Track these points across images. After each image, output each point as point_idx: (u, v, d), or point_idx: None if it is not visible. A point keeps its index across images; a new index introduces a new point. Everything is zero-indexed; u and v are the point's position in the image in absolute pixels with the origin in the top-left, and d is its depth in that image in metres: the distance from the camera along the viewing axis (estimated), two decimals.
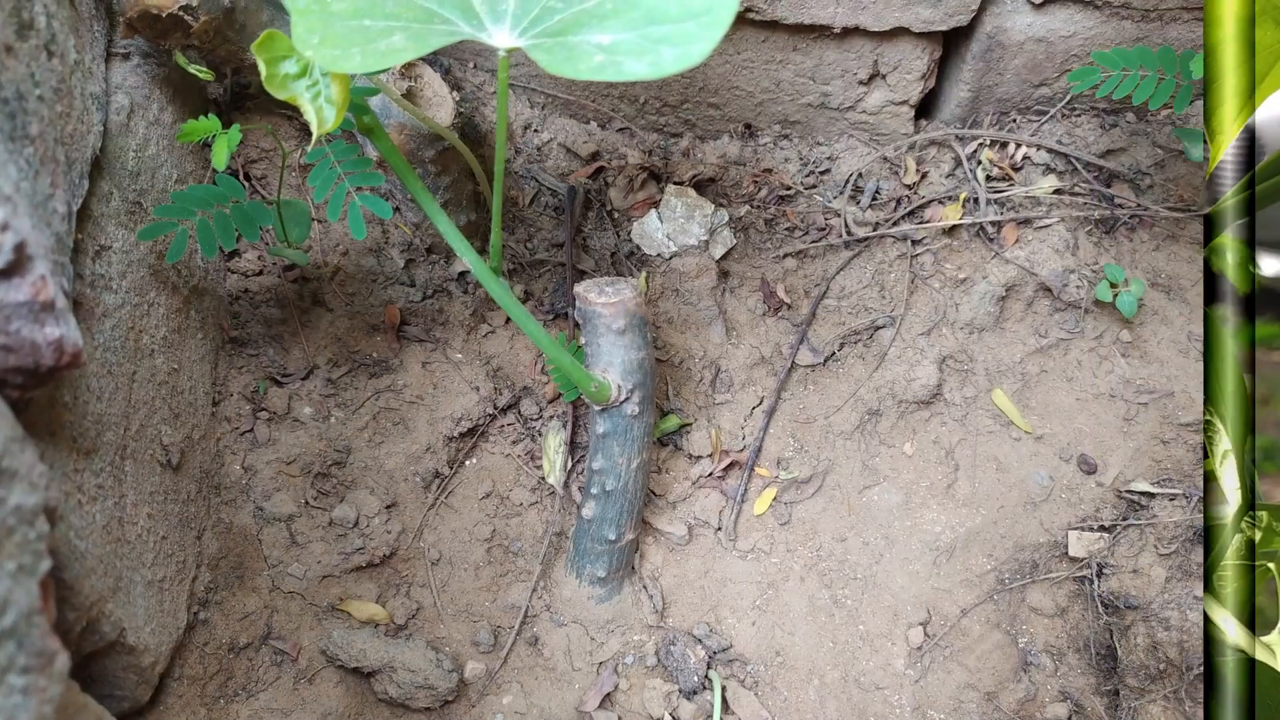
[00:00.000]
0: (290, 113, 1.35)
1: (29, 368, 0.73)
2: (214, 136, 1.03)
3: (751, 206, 1.51)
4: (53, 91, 0.91)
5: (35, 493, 0.66)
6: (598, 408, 1.20)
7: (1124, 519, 1.32)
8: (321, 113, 0.95)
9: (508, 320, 1.42)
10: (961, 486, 1.35)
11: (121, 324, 1.01)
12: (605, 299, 1.17)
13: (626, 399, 1.18)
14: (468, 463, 1.34)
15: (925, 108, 1.59)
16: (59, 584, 0.81)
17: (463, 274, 1.41)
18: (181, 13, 1.10)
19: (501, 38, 0.93)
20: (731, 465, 1.37)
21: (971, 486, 1.35)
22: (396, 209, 1.38)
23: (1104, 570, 1.29)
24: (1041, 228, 1.46)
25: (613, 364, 1.18)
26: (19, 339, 0.71)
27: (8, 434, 0.64)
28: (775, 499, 1.35)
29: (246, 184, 1.33)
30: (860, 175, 1.53)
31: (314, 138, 0.92)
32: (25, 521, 0.65)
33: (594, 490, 1.22)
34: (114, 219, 1.03)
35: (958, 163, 1.53)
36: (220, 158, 0.98)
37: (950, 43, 1.50)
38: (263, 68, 0.92)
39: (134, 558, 0.97)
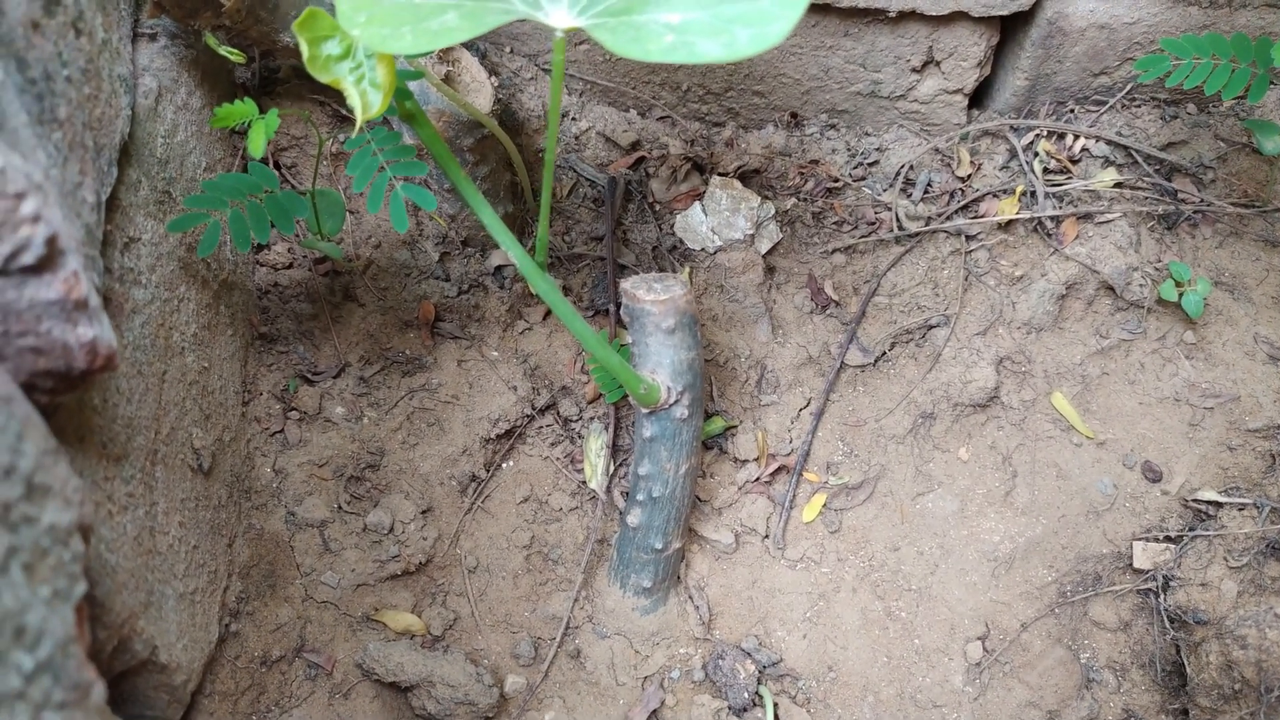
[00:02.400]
0: (322, 98, 1.29)
1: (60, 371, 0.68)
2: (249, 122, 0.97)
3: (798, 199, 1.45)
4: (80, 72, 0.85)
5: (69, 509, 0.61)
6: (645, 410, 1.14)
7: (1191, 529, 1.26)
8: (366, 97, 0.89)
9: (546, 316, 1.36)
10: (1020, 494, 1.29)
11: (151, 321, 0.95)
12: (655, 296, 1.11)
13: (676, 401, 1.12)
14: (505, 465, 1.29)
15: (978, 96, 1.53)
16: (89, 602, 0.76)
17: (499, 268, 1.35)
18: None
19: (560, 17, 0.87)
20: (779, 470, 1.31)
21: (1031, 494, 1.29)
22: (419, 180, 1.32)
23: (1170, 583, 1.24)
24: (1103, 223, 1.40)
25: (661, 364, 1.12)
26: (50, 340, 0.66)
27: (40, 447, 0.59)
28: (825, 505, 1.29)
29: (277, 172, 1.27)
30: (911, 167, 1.47)
31: (357, 124, 0.86)
32: (60, 542, 0.59)
33: (640, 497, 1.16)
34: (143, 209, 0.97)
35: (1013, 154, 1.47)
36: (257, 145, 0.92)
37: (1008, 28, 1.43)
38: (304, 48, 0.86)
39: (165, 570, 0.91)
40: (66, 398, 0.71)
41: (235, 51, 1.10)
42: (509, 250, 1.04)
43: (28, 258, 0.62)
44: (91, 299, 0.67)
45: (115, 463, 0.84)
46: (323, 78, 0.87)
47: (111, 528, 0.81)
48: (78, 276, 0.65)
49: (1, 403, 0.56)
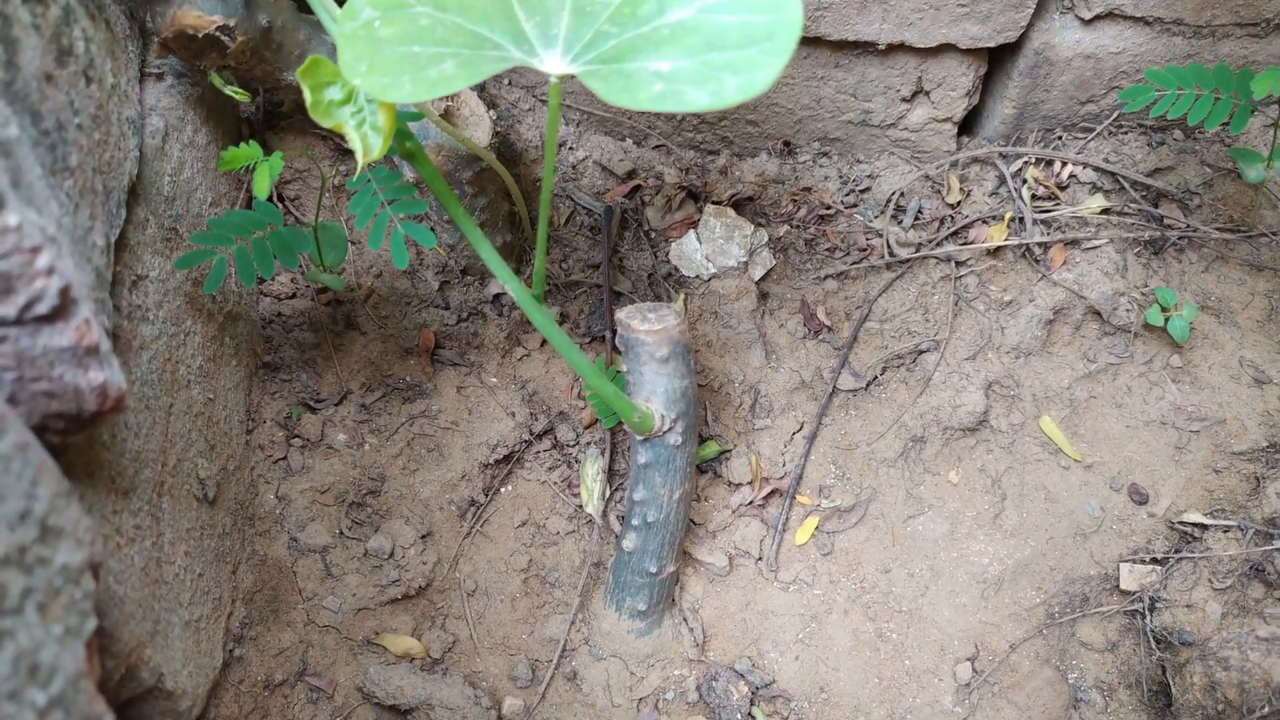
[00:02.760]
0: (325, 133, 1.32)
1: (72, 413, 0.71)
2: (254, 164, 1.00)
3: (791, 226, 1.48)
4: (91, 119, 0.88)
5: (81, 549, 0.64)
6: (640, 438, 1.17)
7: (1176, 551, 1.29)
8: (367, 140, 0.92)
9: (543, 343, 1.39)
10: (1009, 516, 1.32)
11: (158, 356, 0.98)
12: (649, 326, 1.14)
13: (670, 429, 1.15)
14: (503, 490, 1.31)
15: (967, 124, 1.56)
16: (99, 631, 0.79)
17: (498, 296, 1.38)
18: (218, 33, 1.07)
19: (554, 63, 0.90)
20: (772, 493, 1.33)
21: (1020, 516, 1.32)
22: (431, 229, 1.35)
23: (1156, 604, 1.26)
24: (1090, 249, 1.43)
25: (656, 393, 1.15)
26: (62, 384, 0.69)
27: (54, 489, 0.62)
28: (817, 528, 1.32)
29: (280, 205, 1.30)
30: (902, 194, 1.50)
31: (359, 166, 0.89)
32: (72, 581, 0.62)
33: (635, 522, 1.19)
34: (150, 247, 1.00)
35: (1001, 181, 1.50)
36: (262, 186, 0.96)
37: (996, 59, 1.46)
38: (308, 94, 0.90)
39: (171, 599, 0.94)
40: (77, 437, 0.74)
41: (240, 91, 1.13)
42: (506, 284, 1.06)
43: (42, 308, 0.65)
44: (102, 344, 0.70)
45: (123, 496, 0.87)
46: (325, 123, 0.90)
47: (120, 560, 0.84)
48: (89, 324, 0.68)
49: (17, 450, 0.58)
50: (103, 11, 0.97)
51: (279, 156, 1.00)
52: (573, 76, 0.89)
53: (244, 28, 1.09)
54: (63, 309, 0.66)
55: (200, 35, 1.07)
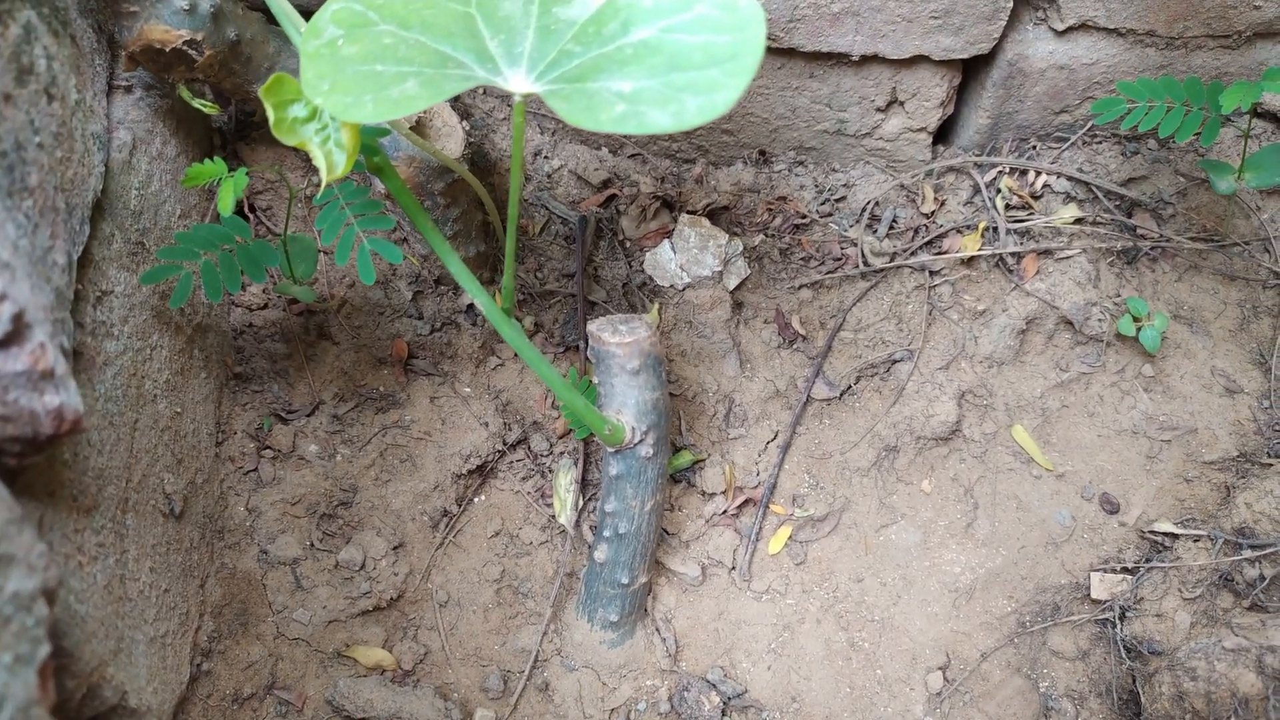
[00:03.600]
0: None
1: (27, 437, 0.70)
2: (220, 180, 1.00)
3: (766, 235, 1.48)
4: (52, 137, 0.88)
5: (34, 576, 0.63)
6: (611, 449, 1.17)
7: (1147, 560, 1.29)
8: (331, 158, 0.92)
9: (516, 354, 1.39)
10: (981, 526, 1.32)
11: (123, 371, 0.98)
12: (619, 339, 1.14)
13: (640, 441, 1.15)
14: (476, 500, 1.32)
15: (943, 133, 1.56)
16: (58, 651, 0.79)
17: (471, 306, 1.38)
18: (186, 46, 1.07)
19: (518, 82, 0.90)
20: (746, 503, 1.34)
21: (991, 526, 1.32)
22: (404, 240, 1.35)
23: (1127, 613, 1.27)
24: (1063, 259, 1.43)
25: (626, 405, 1.15)
26: (17, 408, 0.69)
27: (4, 517, 0.62)
28: (790, 538, 1.32)
29: (251, 216, 1.30)
30: (877, 203, 1.50)
31: (323, 184, 0.89)
32: (23, 608, 0.62)
33: (606, 533, 1.19)
34: (115, 262, 1.00)
35: (976, 190, 1.50)
36: (226, 203, 0.95)
37: (970, 69, 1.46)
38: (270, 112, 0.89)
39: (136, 616, 0.94)
40: (34, 459, 0.74)
41: (209, 104, 1.12)
42: (474, 298, 1.06)
43: None
44: (58, 367, 0.70)
45: (86, 514, 0.87)
46: (289, 140, 0.90)
47: (81, 578, 0.84)
48: (44, 348, 0.68)
49: None
50: (67, 27, 0.97)
51: (243, 173, 1.00)
52: (535, 95, 0.89)
53: (211, 41, 1.09)
54: (16, 334, 0.66)
55: (167, 49, 1.07)
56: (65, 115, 0.91)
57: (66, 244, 0.87)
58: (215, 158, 1.03)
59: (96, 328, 0.94)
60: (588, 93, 0.87)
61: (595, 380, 1.19)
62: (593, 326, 1.17)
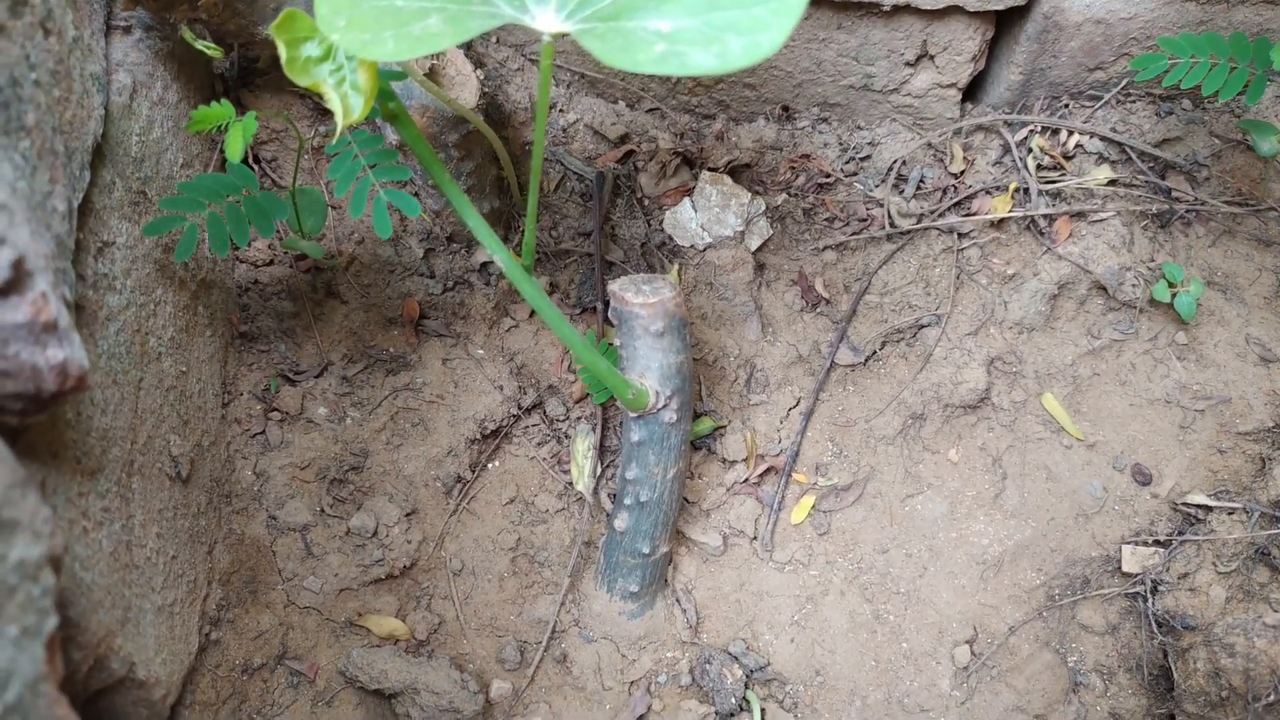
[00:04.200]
0: (303, 91, 1.25)
1: (29, 393, 0.65)
2: (227, 125, 0.94)
3: (789, 195, 1.43)
4: (50, 74, 0.82)
5: (39, 543, 0.59)
6: (633, 415, 1.12)
7: (1180, 533, 1.26)
8: (347, 101, 0.86)
9: (532, 314, 1.34)
10: (1010, 496, 1.29)
11: (127, 327, 0.93)
12: (643, 299, 1.09)
13: (665, 405, 1.11)
14: (490, 466, 1.27)
15: (971, 90, 1.51)
16: (64, 622, 0.74)
17: (485, 264, 1.32)
18: None
19: (547, 21, 0.84)
20: (768, 471, 1.30)
21: (1020, 497, 1.29)
22: (414, 195, 1.29)
23: (1159, 587, 1.23)
24: (1096, 221, 1.39)
25: (650, 368, 1.11)
26: (17, 363, 0.64)
27: (7, 479, 0.57)
28: (814, 507, 1.28)
29: (256, 167, 1.24)
30: (904, 163, 1.45)
31: (338, 129, 0.84)
32: (29, 577, 0.57)
33: (627, 501, 1.15)
34: (117, 211, 0.95)
35: (1006, 150, 1.45)
36: (235, 148, 0.90)
37: (1003, 22, 1.41)
38: (283, 50, 0.84)
39: (143, 584, 0.89)
40: (36, 418, 0.69)
41: (213, 46, 1.06)
42: (494, 254, 1.01)
43: None
44: (61, 319, 0.65)
45: (90, 477, 0.82)
46: (301, 81, 0.84)
47: (86, 545, 0.79)
48: (46, 298, 0.63)
49: None
50: None
51: (253, 117, 0.94)
52: (567, 35, 0.84)
53: None
54: (16, 283, 0.61)
55: None
56: (63, 52, 0.85)
57: (66, 189, 0.82)
58: (221, 101, 0.97)
59: (98, 280, 0.88)
60: (624, 31, 0.81)
61: (617, 343, 1.14)
62: (614, 286, 1.12)
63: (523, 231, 1.37)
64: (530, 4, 0.85)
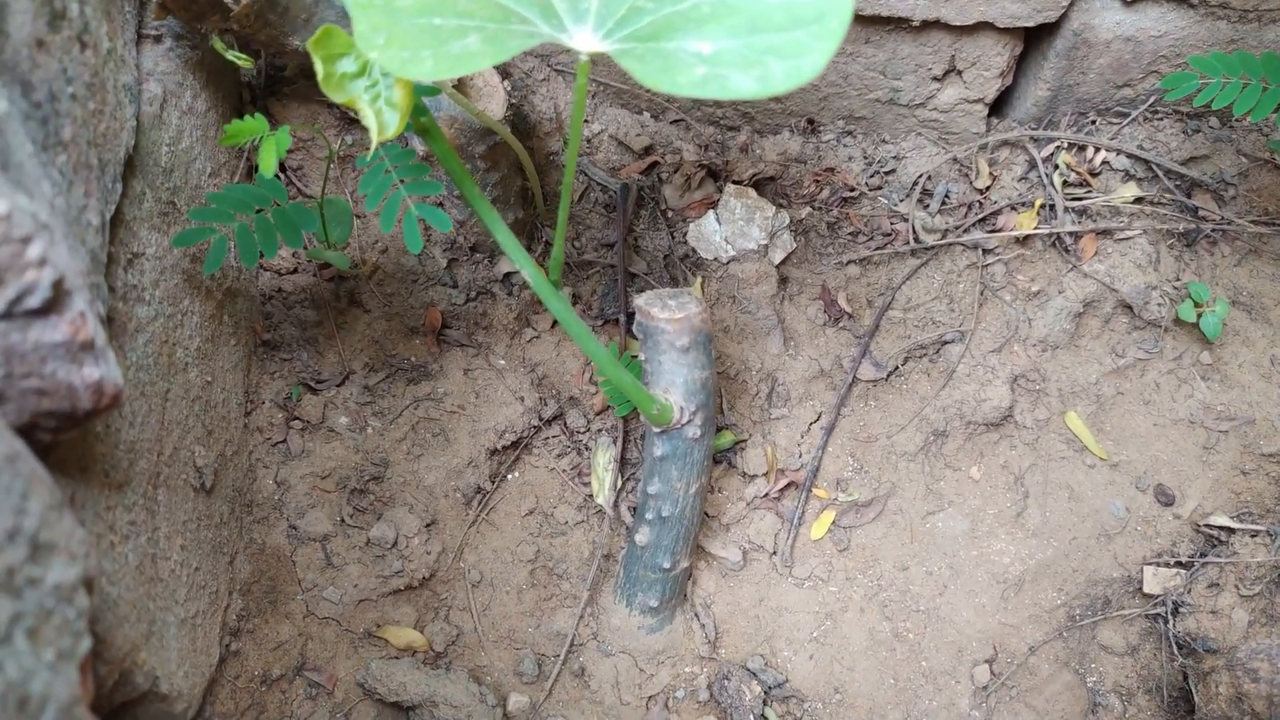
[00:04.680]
0: (330, 101, 1.25)
1: (64, 411, 0.65)
2: (260, 138, 0.94)
3: (813, 208, 1.42)
4: (85, 88, 0.82)
5: (75, 564, 0.59)
6: (657, 429, 1.12)
7: (1202, 555, 1.25)
8: (382, 117, 0.86)
9: (554, 325, 1.34)
10: (1032, 515, 1.28)
11: (155, 338, 0.93)
12: (669, 314, 1.09)
13: (689, 421, 1.10)
14: (510, 477, 1.27)
15: (997, 105, 1.50)
16: (92, 639, 0.74)
17: (508, 275, 1.32)
18: None
19: (584, 40, 0.84)
20: (788, 486, 1.29)
21: (1042, 515, 1.28)
22: (440, 204, 1.29)
23: (1180, 609, 1.23)
24: (1122, 239, 1.38)
25: (675, 384, 1.10)
26: (54, 381, 0.64)
27: (46, 502, 0.57)
28: (834, 523, 1.28)
29: (282, 176, 1.24)
30: (929, 177, 1.44)
31: (373, 145, 0.84)
32: (64, 600, 0.57)
33: (649, 515, 1.15)
34: (147, 222, 0.95)
35: (1032, 165, 1.44)
36: (269, 163, 0.90)
37: (1032, 38, 1.40)
38: (319, 67, 0.83)
39: (167, 596, 0.89)
40: (69, 435, 0.69)
41: (243, 56, 1.06)
42: (522, 269, 1.01)
43: (33, 301, 0.60)
44: (98, 338, 0.65)
45: (117, 490, 0.82)
46: (337, 98, 0.84)
47: (113, 559, 0.79)
48: (84, 317, 0.63)
49: (6, 462, 0.53)
50: None
51: (285, 132, 0.94)
52: (604, 55, 0.83)
53: None
54: (56, 302, 0.61)
55: None
56: (98, 65, 0.85)
57: (100, 203, 0.82)
58: (254, 114, 0.97)
59: (128, 292, 0.88)
60: (663, 53, 0.81)
61: (641, 357, 1.14)
62: (640, 301, 1.12)
63: (546, 243, 1.36)
64: (568, 23, 0.85)
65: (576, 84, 0.86)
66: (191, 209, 0.98)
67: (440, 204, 1.29)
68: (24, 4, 0.73)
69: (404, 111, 0.86)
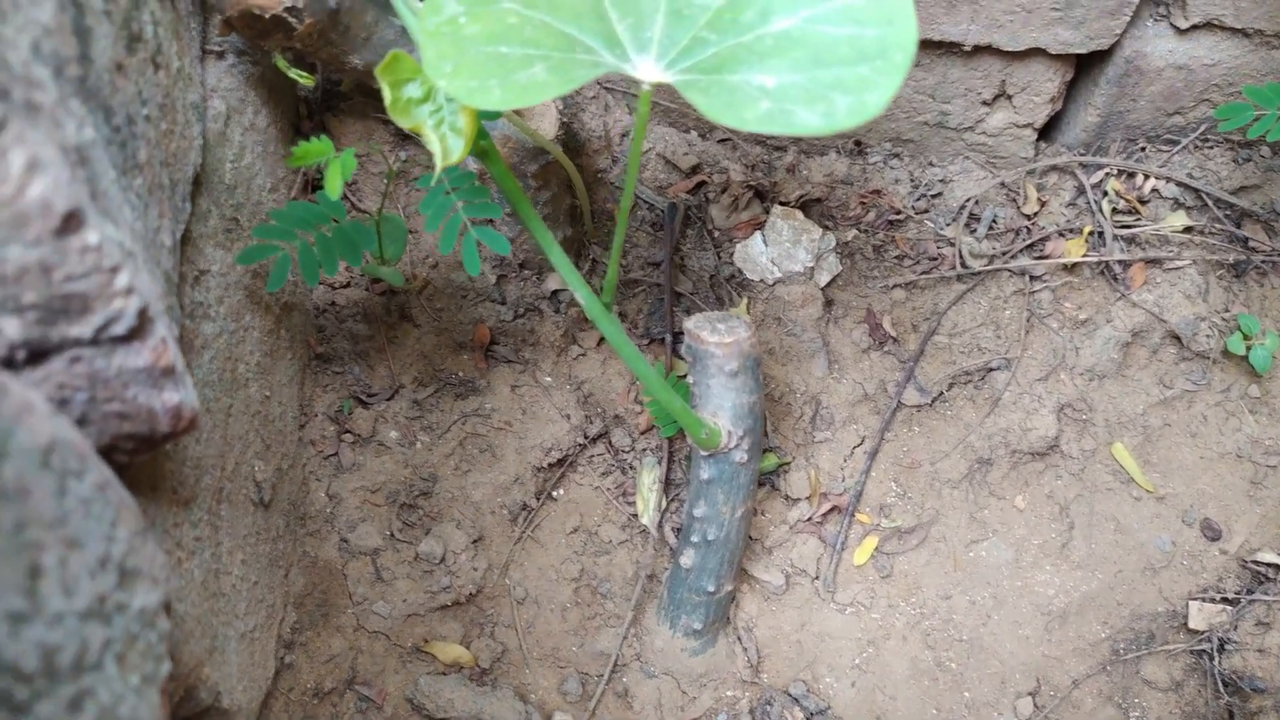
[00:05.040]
0: (386, 117, 1.27)
1: (143, 435, 0.67)
2: (326, 161, 0.95)
3: (859, 230, 1.42)
4: (158, 108, 0.83)
5: (157, 588, 0.60)
6: (704, 453, 1.12)
7: (1249, 592, 1.24)
8: (446, 142, 0.87)
9: (600, 343, 1.34)
10: (1077, 547, 1.27)
11: (219, 355, 0.94)
12: (719, 339, 1.09)
13: (736, 445, 1.11)
14: (555, 494, 1.28)
15: (1045, 129, 1.49)
16: None
17: (556, 292, 1.33)
18: (286, 14, 1.02)
19: (647, 69, 0.84)
20: (831, 510, 1.29)
21: (1088, 547, 1.27)
22: (488, 221, 1.30)
23: (1225, 646, 1.22)
24: (1171, 269, 1.37)
25: (723, 408, 1.11)
26: (135, 405, 0.65)
27: (132, 528, 0.58)
28: (876, 549, 1.28)
29: None
30: (976, 201, 1.44)
31: (436, 170, 0.84)
32: (148, 624, 0.58)
33: (694, 538, 1.15)
34: (212, 239, 0.96)
35: (1080, 191, 1.44)
36: (335, 187, 0.91)
37: (1083, 65, 1.39)
38: (387, 93, 0.84)
39: (228, 611, 0.91)
40: (144, 457, 0.70)
41: (305, 75, 1.08)
42: (577, 293, 1.02)
43: (119, 329, 0.61)
44: (178, 363, 0.66)
45: (184, 507, 0.83)
46: (403, 123, 0.85)
47: (180, 575, 0.81)
48: (165, 343, 0.64)
49: (97, 491, 0.55)
50: None
51: (350, 155, 0.95)
52: (668, 85, 0.84)
53: (312, 9, 1.04)
54: (140, 329, 0.62)
55: (267, 15, 1.02)
56: (169, 85, 0.87)
57: (171, 223, 0.83)
58: (318, 136, 0.98)
59: (194, 309, 0.90)
60: (728, 86, 0.81)
61: (689, 379, 1.14)
62: (690, 324, 1.12)
63: (593, 260, 1.37)
64: (631, 52, 0.85)
65: (638, 113, 0.87)
66: (255, 226, 0.99)
67: (488, 221, 1.30)
68: (106, 28, 0.74)
69: (469, 138, 0.86)
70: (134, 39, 0.80)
